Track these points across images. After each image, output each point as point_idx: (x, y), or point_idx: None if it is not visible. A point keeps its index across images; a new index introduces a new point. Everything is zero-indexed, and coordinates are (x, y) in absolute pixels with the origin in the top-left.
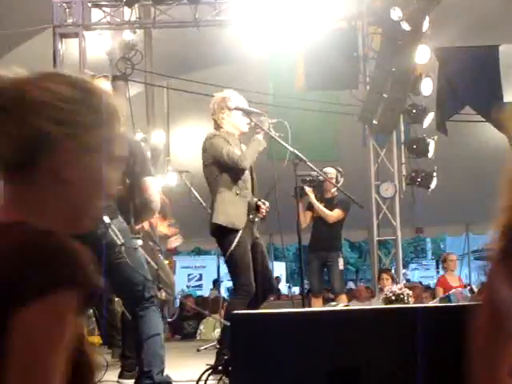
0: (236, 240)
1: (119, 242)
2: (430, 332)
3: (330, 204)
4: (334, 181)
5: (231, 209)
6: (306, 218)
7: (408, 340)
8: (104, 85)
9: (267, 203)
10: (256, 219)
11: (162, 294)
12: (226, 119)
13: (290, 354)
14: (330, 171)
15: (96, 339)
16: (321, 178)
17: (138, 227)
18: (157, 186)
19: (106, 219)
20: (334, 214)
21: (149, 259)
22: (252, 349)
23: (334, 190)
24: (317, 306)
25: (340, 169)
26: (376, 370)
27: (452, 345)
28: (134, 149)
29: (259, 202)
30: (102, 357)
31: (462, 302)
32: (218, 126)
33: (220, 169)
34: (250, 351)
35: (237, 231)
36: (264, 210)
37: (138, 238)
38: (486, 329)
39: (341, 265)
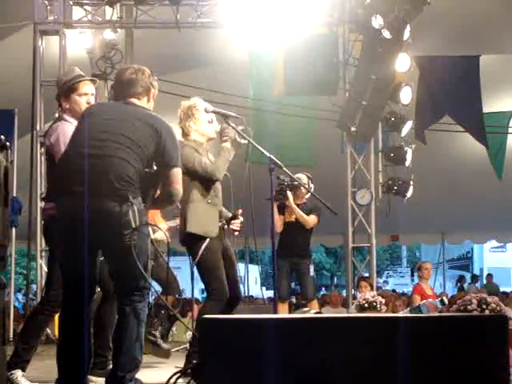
0: (204, 246)
1: (134, 225)
2: (411, 343)
3: (301, 210)
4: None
5: (204, 218)
6: (280, 223)
7: (387, 351)
8: (89, 88)
9: (241, 218)
10: (225, 226)
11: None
12: (193, 127)
13: (260, 361)
14: (302, 177)
15: None
16: (295, 183)
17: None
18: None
19: (131, 197)
20: (313, 220)
21: (160, 253)
22: (220, 354)
23: (307, 196)
24: (283, 312)
25: (310, 175)
26: (349, 379)
27: (434, 356)
28: (166, 134)
29: (236, 215)
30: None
31: (432, 313)
32: (185, 135)
33: (191, 178)
34: (219, 356)
35: (205, 238)
36: (237, 227)
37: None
38: None
39: (312, 271)
